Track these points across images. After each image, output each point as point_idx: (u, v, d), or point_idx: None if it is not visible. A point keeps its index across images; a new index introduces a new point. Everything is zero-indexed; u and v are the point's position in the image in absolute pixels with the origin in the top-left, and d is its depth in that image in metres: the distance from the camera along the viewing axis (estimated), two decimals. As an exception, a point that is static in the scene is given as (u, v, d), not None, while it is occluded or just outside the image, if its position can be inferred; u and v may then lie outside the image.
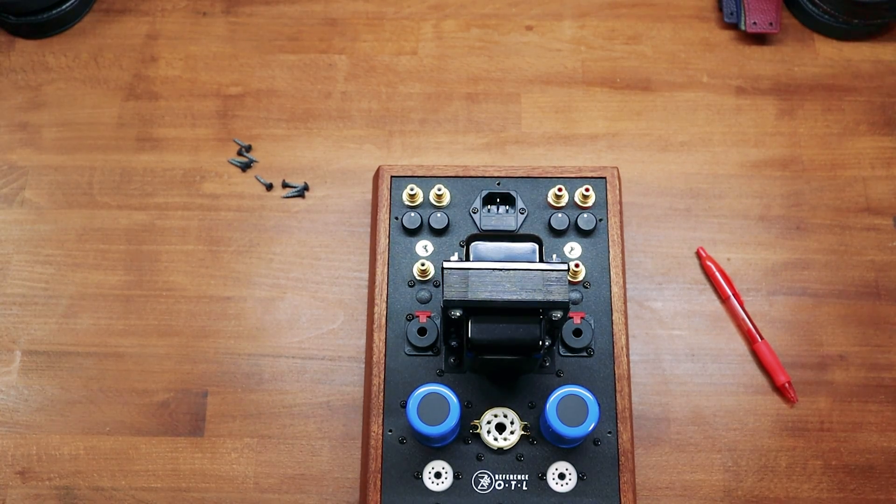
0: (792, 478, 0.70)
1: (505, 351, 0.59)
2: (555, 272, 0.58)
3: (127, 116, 0.82)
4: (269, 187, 0.79)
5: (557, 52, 0.85)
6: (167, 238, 0.77)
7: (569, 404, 0.59)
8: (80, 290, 0.76)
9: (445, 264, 0.59)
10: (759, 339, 0.73)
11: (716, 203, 0.78)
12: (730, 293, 0.74)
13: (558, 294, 0.57)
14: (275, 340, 0.74)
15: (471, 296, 0.57)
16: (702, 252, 0.76)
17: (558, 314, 0.58)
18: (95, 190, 0.79)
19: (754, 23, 0.83)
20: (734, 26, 0.85)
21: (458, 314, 0.58)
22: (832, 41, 0.85)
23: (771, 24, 0.83)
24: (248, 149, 0.81)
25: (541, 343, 0.58)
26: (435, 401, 0.59)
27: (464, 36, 0.85)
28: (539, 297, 0.57)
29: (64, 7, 0.84)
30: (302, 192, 0.79)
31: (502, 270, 0.58)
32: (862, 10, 0.81)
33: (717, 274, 0.75)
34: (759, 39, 0.85)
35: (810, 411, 0.72)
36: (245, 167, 0.80)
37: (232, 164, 0.80)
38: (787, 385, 0.71)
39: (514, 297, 0.57)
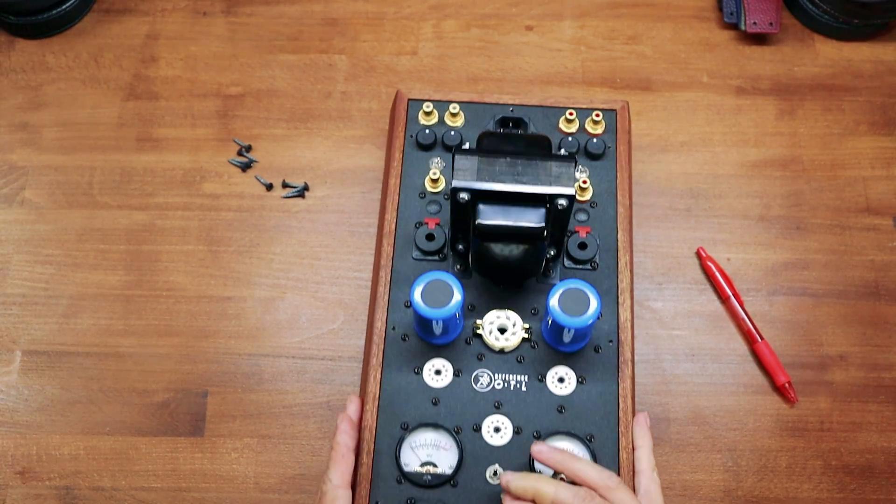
0: (792, 478, 0.70)
1: (510, 238, 0.60)
2: (562, 162, 0.59)
3: (127, 116, 0.82)
4: (270, 187, 0.79)
5: (557, 52, 0.84)
6: (167, 238, 0.77)
7: (571, 297, 0.60)
8: (80, 290, 0.76)
9: (457, 150, 0.60)
10: (759, 339, 0.73)
11: (716, 203, 0.78)
12: (730, 293, 0.74)
13: (564, 183, 0.58)
14: (275, 340, 0.74)
15: (479, 181, 0.59)
16: (702, 252, 0.76)
17: (563, 202, 0.59)
18: (95, 190, 0.79)
19: (754, 23, 0.83)
20: (734, 26, 0.85)
21: (466, 198, 0.59)
22: (832, 41, 0.85)
23: (771, 24, 0.83)
24: (248, 149, 0.81)
25: (545, 232, 0.59)
26: (439, 286, 0.60)
27: (464, 36, 0.85)
28: (545, 185, 0.58)
29: (64, 7, 0.84)
30: (302, 192, 0.79)
31: (511, 159, 0.60)
32: (862, 10, 0.81)
33: (717, 274, 0.75)
34: (759, 39, 0.85)
35: (810, 411, 0.72)
36: (245, 167, 0.80)
37: (232, 164, 0.80)
38: (787, 385, 0.71)
39: (522, 185, 0.59)
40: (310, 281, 0.76)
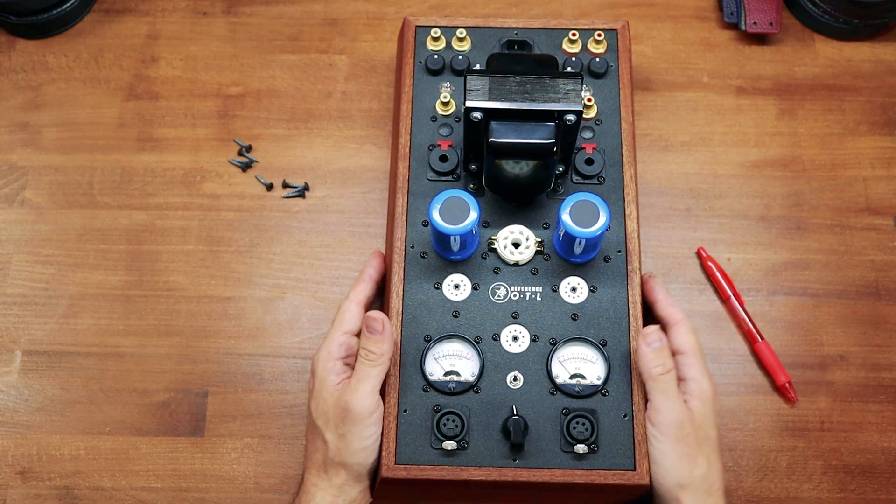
0: (792, 478, 0.70)
1: (522, 154, 0.62)
2: (569, 79, 0.62)
3: (127, 116, 0.82)
4: (270, 187, 0.79)
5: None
6: (167, 238, 0.77)
7: (581, 208, 0.62)
8: (81, 290, 0.76)
9: (468, 71, 0.63)
10: (760, 339, 0.73)
11: (716, 203, 0.78)
12: (730, 293, 0.74)
13: (572, 99, 0.61)
14: (275, 340, 0.74)
15: (491, 100, 0.61)
16: (702, 252, 0.76)
17: (572, 117, 0.61)
18: (96, 190, 0.79)
19: (754, 23, 0.83)
20: (734, 26, 0.85)
21: (479, 117, 0.61)
22: (832, 41, 0.85)
23: (771, 24, 0.83)
24: (249, 149, 0.81)
25: (555, 147, 0.61)
26: (456, 204, 0.62)
27: (464, 36, 0.85)
28: (554, 102, 0.61)
29: (64, 7, 0.84)
30: (302, 192, 0.79)
31: (521, 77, 0.62)
32: (862, 10, 0.81)
33: (718, 274, 0.75)
34: (760, 39, 0.85)
35: (810, 411, 0.72)
36: (245, 167, 0.80)
37: (232, 164, 0.80)
38: (787, 385, 0.71)
39: (532, 102, 0.61)
40: (310, 281, 0.76)
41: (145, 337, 0.74)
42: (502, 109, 0.61)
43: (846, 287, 0.75)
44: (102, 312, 0.75)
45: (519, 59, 0.67)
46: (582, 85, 0.62)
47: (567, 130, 0.62)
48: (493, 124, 0.61)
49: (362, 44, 0.85)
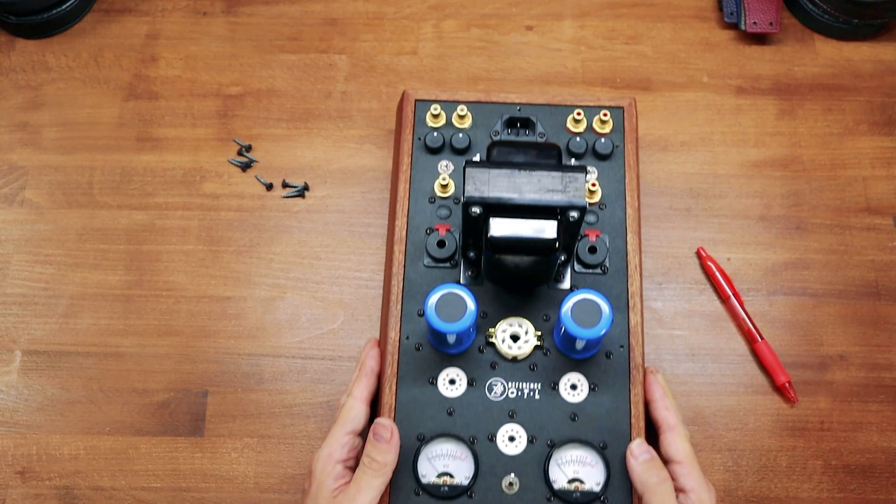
0: (792, 478, 0.70)
1: (523, 250, 0.60)
2: (573, 174, 0.59)
3: (127, 116, 0.82)
4: (270, 187, 0.79)
5: (557, 52, 0.84)
6: (167, 238, 0.77)
7: (583, 307, 0.60)
8: (80, 290, 0.76)
9: (467, 163, 0.60)
10: (760, 339, 0.73)
11: (716, 203, 0.78)
12: (730, 293, 0.74)
13: (576, 194, 0.58)
14: (275, 340, 0.74)
15: (491, 193, 0.58)
16: (702, 252, 0.76)
17: (575, 214, 0.58)
18: (95, 190, 0.79)
19: (754, 23, 0.83)
20: (734, 26, 0.85)
21: (477, 211, 0.59)
22: (832, 41, 0.85)
23: (771, 24, 0.83)
24: (248, 149, 0.81)
25: (557, 244, 0.59)
26: (452, 300, 0.60)
27: (464, 36, 0.85)
28: (557, 196, 0.58)
29: (64, 7, 0.84)
30: (302, 192, 0.79)
31: (522, 170, 0.59)
32: (862, 10, 0.81)
33: (718, 274, 0.75)
34: (760, 39, 0.85)
35: (810, 411, 0.72)
36: (245, 167, 0.80)
37: (232, 163, 0.80)
38: (787, 385, 0.71)
39: (533, 196, 0.58)
40: (310, 281, 0.76)
41: (145, 337, 0.74)
42: (502, 204, 0.58)
43: (846, 287, 0.75)
44: (102, 312, 0.75)
45: (520, 147, 0.64)
46: (586, 177, 0.59)
47: (570, 225, 0.59)
48: (493, 219, 0.59)
49: (362, 44, 0.85)
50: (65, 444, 0.71)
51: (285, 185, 0.79)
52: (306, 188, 0.79)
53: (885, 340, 0.74)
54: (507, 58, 0.84)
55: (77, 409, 0.72)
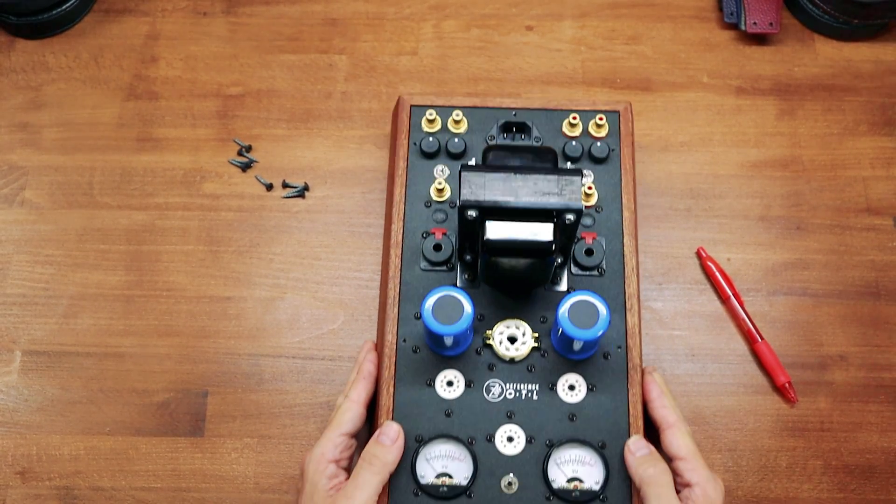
0: (792, 478, 0.70)
1: (519, 253, 0.60)
2: (569, 176, 0.59)
3: (127, 116, 0.82)
4: (270, 187, 0.79)
5: (557, 52, 0.85)
6: (167, 238, 0.77)
7: (580, 309, 0.60)
8: (80, 290, 0.76)
9: (463, 167, 0.60)
10: (760, 339, 0.73)
11: (716, 203, 0.78)
12: (730, 293, 0.74)
13: (572, 197, 0.58)
14: (275, 340, 0.74)
15: (486, 197, 0.58)
16: (702, 252, 0.76)
17: (571, 217, 0.59)
18: (95, 190, 0.79)
19: (754, 23, 0.83)
20: (734, 26, 0.85)
21: (474, 215, 0.59)
22: (832, 41, 0.85)
23: (771, 24, 0.83)
24: (249, 149, 0.81)
25: (553, 246, 0.59)
26: (449, 302, 0.60)
27: (464, 36, 0.85)
28: (553, 199, 0.58)
29: (64, 7, 0.84)
30: (302, 192, 0.79)
31: (518, 174, 0.59)
32: (862, 10, 0.81)
33: (718, 274, 0.75)
34: (760, 39, 0.85)
35: (810, 411, 0.72)
36: (245, 167, 0.80)
37: (232, 164, 0.80)
38: (787, 385, 0.71)
39: (529, 199, 0.58)
40: (310, 281, 0.76)
41: (145, 337, 0.74)
42: (498, 208, 0.58)
43: (846, 287, 0.75)
44: (102, 312, 0.75)
45: (516, 151, 0.65)
46: (582, 180, 0.59)
47: (566, 228, 0.60)
48: (489, 222, 0.59)
49: (362, 44, 0.85)
50: (65, 444, 0.71)
51: (285, 186, 0.79)
52: (306, 188, 0.79)
53: (885, 340, 0.74)
54: (507, 58, 0.84)
55: (77, 410, 0.72)
